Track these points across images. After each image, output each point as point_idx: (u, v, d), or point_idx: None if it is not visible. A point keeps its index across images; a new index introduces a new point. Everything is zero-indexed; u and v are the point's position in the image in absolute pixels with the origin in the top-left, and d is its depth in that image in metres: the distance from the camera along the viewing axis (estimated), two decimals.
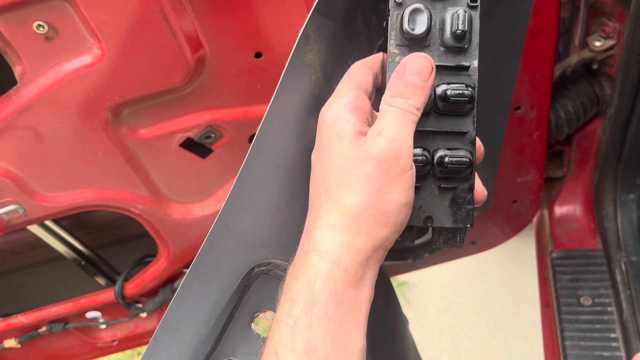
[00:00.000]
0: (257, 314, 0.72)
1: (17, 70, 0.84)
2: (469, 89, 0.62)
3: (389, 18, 0.62)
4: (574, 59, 1.23)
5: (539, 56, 1.03)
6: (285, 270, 0.69)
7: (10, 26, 0.78)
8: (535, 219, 1.54)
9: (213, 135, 1.00)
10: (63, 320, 1.35)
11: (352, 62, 0.75)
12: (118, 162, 0.98)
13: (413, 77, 0.60)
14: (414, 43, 0.62)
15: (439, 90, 0.62)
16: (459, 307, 2.37)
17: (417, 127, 0.61)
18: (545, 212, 1.52)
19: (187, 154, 1.02)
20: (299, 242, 0.63)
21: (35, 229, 1.21)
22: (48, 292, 1.48)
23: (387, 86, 0.62)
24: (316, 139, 0.64)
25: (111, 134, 0.93)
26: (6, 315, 1.33)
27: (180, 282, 1.26)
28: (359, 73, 0.66)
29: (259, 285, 0.71)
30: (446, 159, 0.62)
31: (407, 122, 0.59)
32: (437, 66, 0.62)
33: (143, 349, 1.46)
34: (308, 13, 0.84)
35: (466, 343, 2.27)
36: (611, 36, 1.15)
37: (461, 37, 0.62)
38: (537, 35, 0.99)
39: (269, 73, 0.92)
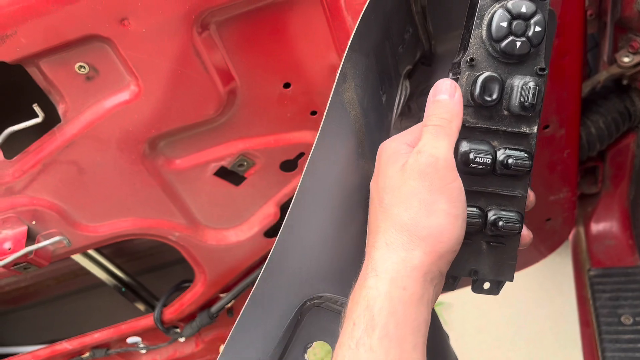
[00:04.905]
0: (309, 345, 0.75)
1: (60, 109, 0.88)
2: (529, 156, 0.64)
3: (460, 76, 0.64)
4: (602, 75, 1.22)
5: (565, 75, 1.03)
6: (336, 302, 0.72)
7: (54, 68, 0.82)
8: (571, 237, 1.52)
9: (245, 163, 1.03)
10: (105, 345, 1.39)
11: (382, 93, 0.77)
12: (155, 192, 1.01)
13: (440, 95, 0.64)
14: (479, 105, 0.64)
15: (501, 156, 0.64)
16: (497, 327, 2.33)
17: (474, 186, 0.65)
18: (581, 229, 1.49)
19: (221, 182, 1.05)
20: (347, 275, 0.65)
21: (77, 257, 1.26)
22: (90, 318, 1.52)
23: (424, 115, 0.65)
24: (375, 169, 0.68)
25: (148, 166, 0.97)
26: (52, 341, 1.37)
27: (217, 305, 1.28)
28: None
29: (310, 318, 0.73)
30: (500, 223, 0.65)
31: (443, 136, 0.62)
32: (499, 130, 0.64)
33: None
34: (333, 43, 0.87)
35: None
36: (639, 52, 1.15)
37: (528, 108, 0.63)
38: (563, 54, 0.99)
39: (298, 102, 0.95)
